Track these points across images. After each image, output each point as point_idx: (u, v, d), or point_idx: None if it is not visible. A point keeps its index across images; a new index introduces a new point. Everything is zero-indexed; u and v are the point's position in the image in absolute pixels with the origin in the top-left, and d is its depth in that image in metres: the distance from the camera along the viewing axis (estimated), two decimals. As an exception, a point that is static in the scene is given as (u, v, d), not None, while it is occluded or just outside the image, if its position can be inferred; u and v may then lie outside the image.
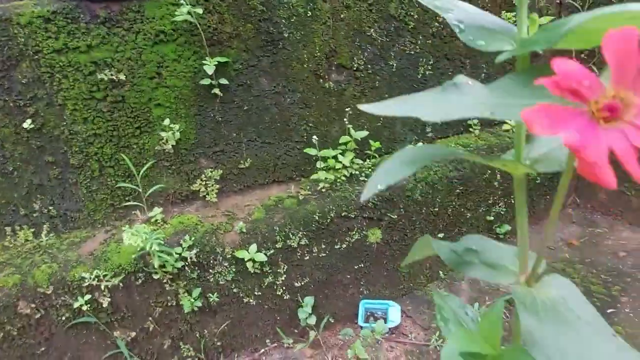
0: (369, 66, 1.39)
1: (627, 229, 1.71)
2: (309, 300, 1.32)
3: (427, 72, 1.49)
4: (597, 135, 0.20)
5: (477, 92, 0.25)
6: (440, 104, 0.25)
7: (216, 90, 1.24)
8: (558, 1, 1.64)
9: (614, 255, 1.60)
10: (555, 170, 0.30)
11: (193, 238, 1.19)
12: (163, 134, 1.22)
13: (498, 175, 1.58)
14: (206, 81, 1.22)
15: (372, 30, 1.36)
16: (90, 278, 1.13)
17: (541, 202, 1.76)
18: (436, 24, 1.45)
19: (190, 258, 1.17)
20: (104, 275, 1.14)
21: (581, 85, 0.20)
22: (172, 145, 1.25)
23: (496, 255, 0.34)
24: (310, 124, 1.38)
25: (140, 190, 1.27)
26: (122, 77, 1.17)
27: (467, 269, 0.33)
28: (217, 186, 1.33)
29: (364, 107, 0.28)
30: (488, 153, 1.54)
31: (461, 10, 0.33)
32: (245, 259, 1.20)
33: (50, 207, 1.25)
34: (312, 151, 1.32)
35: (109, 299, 1.15)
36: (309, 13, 1.27)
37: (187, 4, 1.13)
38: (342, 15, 1.31)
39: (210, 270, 1.21)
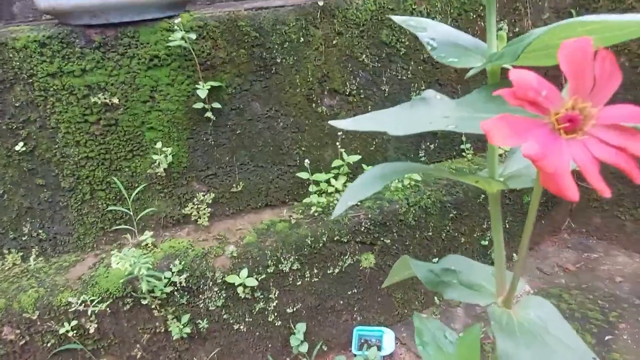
0: (361, 91, 1.41)
1: (623, 253, 1.69)
2: (301, 327, 1.30)
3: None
4: (558, 147, 0.20)
5: (444, 106, 0.25)
6: (406, 118, 0.25)
7: (209, 114, 1.25)
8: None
9: (611, 281, 1.58)
10: (528, 187, 0.29)
11: (183, 262, 1.17)
12: (155, 157, 1.22)
13: (492, 200, 1.57)
14: (199, 105, 1.23)
15: (364, 56, 1.38)
16: (77, 303, 1.11)
17: (536, 226, 1.75)
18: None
19: (180, 283, 1.15)
20: (91, 301, 1.12)
21: (539, 95, 0.20)
22: (164, 169, 1.25)
23: (475, 275, 0.34)
24: (303, 148, 1.38)
25: (132, 213, 1.26)
26: (115, 100, 1.18)
27: (445, 289, 0.33)
28: (209, 210, 1.33)
29: (334, 122, 0.28)
30: (481, 177, 1.54)
31: (434, 29, 0.34)
32: (236, 284, 1.18)
33: (40, 231, 1.24)
34: (304, 175, 1.31)
35: (96, 325, 1.13)
36: (302, 39, 1.29)
37: (181, 30, 1.15)
38: (334, 41, 1.33)
39: (200, 296, 1.19)
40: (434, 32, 0.33)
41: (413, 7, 1.41)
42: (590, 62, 0.20)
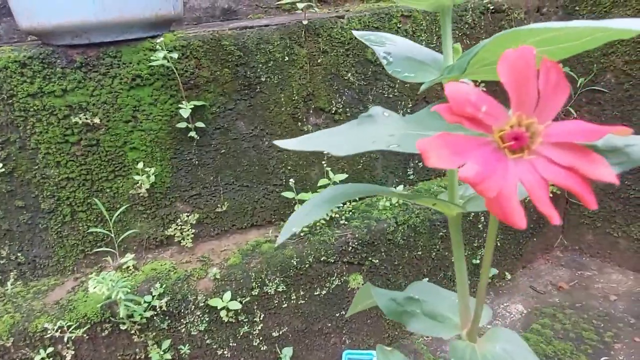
0: (347, 109, 1.40)
1: (617, 271, 1.67)
2: (287, 352, 1.26)
3: (406, 115, 1.50)
4: (502, 168, 0.18)
5: (391, 124, 0.23)
6: (352, 137, 0.23)
7: (193, 134, 1.23)
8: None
9: (605, 299, 1.55)
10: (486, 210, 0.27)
11: (164, 286, 1.14)
12: (137, 177, 1.20)
13: (482, 218, 1.55)
14: (182, 124, 1.21)
15: (349, 74, 1.37)
16: (54, 329, 1.07)
17: (528, 245, 1.73)
18: (414, 68, 1.47)
19: (161, 307, 1.11)
20: (68, 326, 1.08)
21: (478, 111, 0.18)
22: (147, 189, 1.23)
23: (441, 305, 0.31)
24: (289, 167, 1.37)
25: (113, 235, 1.23)
26: (97, 120, 1.16)
27: (409, 320, 0.30)
28: (193, 231, 1.30)
29: (279, 142, 0.26)
30: (471, 195, 1.52)
31: (393, 43, 0.32)
32: (219, 308, 1.14)
33: (19, 254, 1.20)
34: (289, 194, 1.29)
35: (73, 352, 1.09)
36: (286, 58, 1.29)
37: (163, 49, 1.14)
38: (319, 60, 1.33)
39: (182, 320, 1.15)
40: (392, 47, 0.31)
41: (398, 25, 1.42)
42: (532, 73, 0.18)
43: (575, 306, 1.54)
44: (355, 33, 0.35)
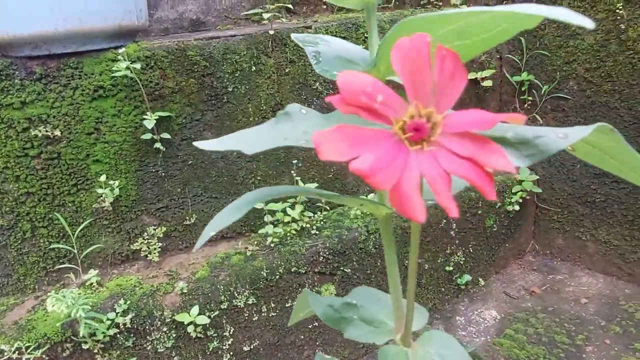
0: (317, 118, 1.40)
1: (587, 274, 1.70)
2: (259, 366, 1.23)
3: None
4: (402, 160, 0.17)
5: (307, 121, 0.22)
6: (264, 135, 0.22)
7: (158, 145, 1.21)
8: (498, 56, 1.72)
9: (576, 303, 1.57)
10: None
11: (129, 302, 1.10)
12: (100, 190, 1.16)
13: (454, 224, 1.56)
14: (148, 136, 1.19)
15: (317, 83, 1.37)
16: (11, 351, 1.02)
17: (500, 250, 1.75)
18: (382, 77, 1.48)
19: (125, 324, 1.08)
20: (27, 347, 1.03)
21: (374, 101, 0.17)
22: (111, 203, 1.20)
23: (379, 310, 0.30)
24: (259, 177, 1.35)
25: (76, 251, 1.19)
26: (57, 133, 1.13)
27: (346, 327, 0.29)
28: (161, 244, 1.27)
29: (198, 144, 0.25)
30: (442, 202, 1.53)
31: (326, 44, 0.32)
32: (186, 323, 1.11)
33: (-25, 273, 1.15)
34: (259, 205, 1.28)
35: (32, 375, 1.04)
36: (254, 68, 1.28)
37: (126, 60, 1.12)
38: (287, 70, 1.33)
39: (148, 337, 1.11)
40: (324, 47, 0.31)
41: (366, 35, 1.43)
42: (427, 62, 0.17)
43: (547, 310, 1.55)
44: (293, 36, 0.35)
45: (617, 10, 1.40)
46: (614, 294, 1.59)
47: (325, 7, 1.83)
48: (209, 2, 1.64)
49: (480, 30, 0.20)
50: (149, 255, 1.25)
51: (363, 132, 0.18)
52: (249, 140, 0.22)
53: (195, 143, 0.25)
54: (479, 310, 1.58)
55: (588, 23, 0.15)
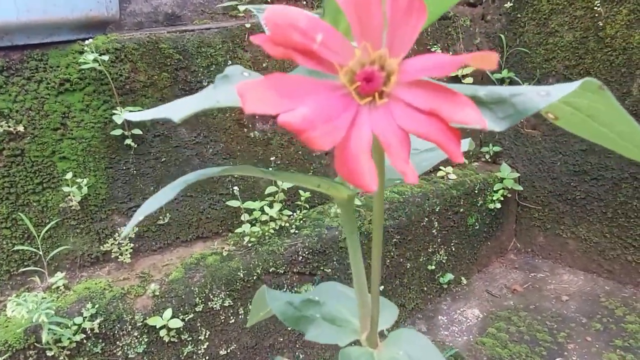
0: (296, 115, 1.36)
1: (567, 272, 1.69)
2: (236, 370, 1.18)
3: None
4: (348, 116, 0.14)
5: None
6: (196, 99, 0.19)
7: (129, 142, 1.16)
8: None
9: (557, 300, 1.57)
10: (390, 185, 0.23)
11: (97, 305, 1.05)
12: (67, 189, 1.11)
13: (436, 223, 1.54)
14: (118, 132, 1.14)
15: (296, 79, 1.34)
16: (-32, 360, 0.96)
17: (482, 248, 1.73)
18: (362, 73, 1.46)
19: (92, 329, 1.02)
20: (-14, 356, 0.97)
21: (312, 41, 0.14)
22: (79, 202, 1.14)
23: (344, 307, 0.27)
24: (236, 176, 1.31)
25: (41, 253, 1.13)
26: (21, 128, 1.07)
27: (308, 327, 0.26)
28: (133, 245, 1.21)
29: (130, 115, 0.22)
30: (423, 200, 1.51)
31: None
32: (158, 327, 1.06)
33: None
34: (235, 203, 1.23)
35: (-8, 385, 0.98)
36: (230, 62, 1.24)
37: (93, 52, 1.07)
38: (264, 64, 1.29)
39: (118, 342, 1.06)
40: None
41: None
42: (376, -4, 0.14)
43: (529, 308, 1.54)
44: (249, 6, 0.31)
45: (595, 8, 1.40)
46: (594, 291, 1.59)
47: (304, 1, 1.80)
48: (184, -5, 1.59)
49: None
50: (120, 256, 1.20)
51: (300, 81, 0.14)
52: (179, 106, 0.18)
53: (126, 115, 0.22)
54: (462, 309, 1.57)
55: None
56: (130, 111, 1.13)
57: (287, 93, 0.14)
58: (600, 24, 1.41)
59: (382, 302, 0.27)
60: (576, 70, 1.50)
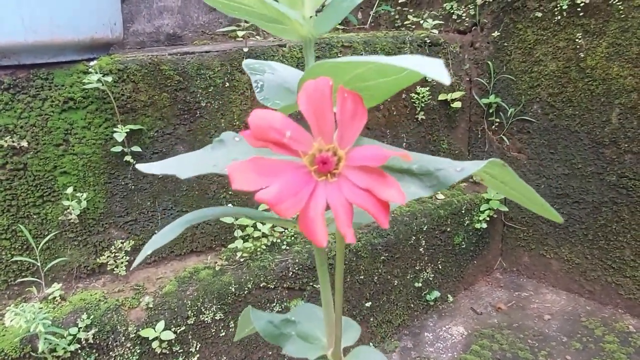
0: (290, 135, 1.42)
1: (551, 291, 1.74)
2: (225, 382, 1.22)
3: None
4: (308, 189, 0.19)
5: (239, 149, 0.24)
6: (198, 160, 0.23)
7: (129, 158, 1.20)
8: (468, 79, 1.78)
9: (540, 319, 1.61)
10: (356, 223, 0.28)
11: (92, 316, 1.09)
12: (67, 203, 1.15)
13: (423, 242, 1.59)
14: (118, 148, 1.19)
15: (291, 101, 1.40)
16: (-35, 367, 0.99)
17: (469, 267, 1.78)
18: (355, 96, 1.52)
19: (87, 340, 1.06)
20: (-17, 364, 1.00)
21: (282, 136, 0.19)
22: (78, 215, 1.18)
23: (315, 326, 0.32)
24: (231, 192, 1.36)
25: (39, 264, 1.17)
26: (24, 144, 1.12)
27: (285, 343, 0.31)
28: (128, 258, 1.25)
29: (141, 167, 0.26)
30: (412, 219, 1.56)
31: (271, 72, 0.33)
32: (150, 338, 1.10)
33: None
34: (229, 220, 1.28)
35: (-13, 392, 1.01)
36: (227, 84, 1.30)
37: (97, 72, 1.12)
38: (260, 87, 1.35)
39: (111, 353, 1.10)
40: (269, 75, 0.33)
41: (338, 55, 1.46)
42: (329, 102, 0.19)
43: (512, 326, 1.59)
44: (244, 63, 0.37)
45: (577, 40, 1.48)
46: (575, 310, 1.63)
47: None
48: (185, 17, 1.65)
49: (378, 76, 0.21)
50: (115, 268, 1.24)
51: (274, 163, 0.19)
52: (184, 165, 0.23)
53: (137, 166, 0.27)
54: (447, 327, 1.61)
55: (445, 79, 0.17)
56: (135, 151, 1.18)
57: (264, 172, 0.19)
58: (582, 55, 1.48)
59: (346, 322, 0.32)
60: (559, 98, 1.57)
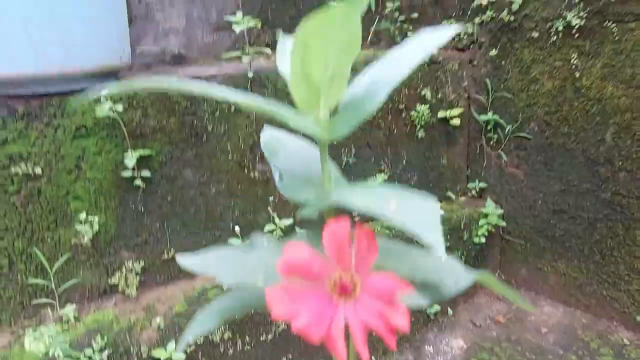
0: (294, 156, 1.46)
1: (548, 304, 1.79)
2: (233, 398, 1.26)
3: (351, 160, 1.58)
4: (331, 311, 0.23)
5: (269, 254, 0.28)
6: (239, 266, 0.27)
7: (139, 182, 1.24)
8: (467, 96, 1.83)
9: (537, 332, 1.66)
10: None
11: (106, 338, 1.13)
12: (79, 227, 1.19)
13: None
14: (128, 173, 1.23)
15: (295, 123, 1.44)
16: (-16, 389, 1.03)
17: (468, 280, 1.82)
18: (356, 116, 1.56)
19: (101, 360, 1.10)
20: (1, 385, 1.05)
21: (311, 269, 0.23)
22: (90, 239, 1.22)
23: None
24: (237, 213, 1.40)
25: (53, 286, 1.21)
26: (38, 170, 1.16)
27: None
28: (138, 279, 1.29)
29: (182, 260, 0.31)
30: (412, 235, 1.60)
31: (284, 150, 0.37)
32: (162, 359, 1.14)
33: (-51, 308, 1.16)
34: (235, 242, 1.32)
35: (5, 412, 1.05)
36: (233, 108, 1.34)
37: (108, 100, 1.16)
38: (265, 110, 1.39)
39: (124, 372, 1.14)
40: (282, 157, 0.37)
41: (341, 77, 1.50)
42: (348, 240, 0.24)
43: (510, 339, 1.63)
44: (262, 142, 0.41)
45: (572, 60, 1.52)
46: (572, 323, 1.68)
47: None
48: (190, 38, 1.70)
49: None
50: (127, 289, 1.28)
51: (303, 290, 0.24)
52: (223, 269, 0.27)
53: (178, 258, 0.31)
54: (447, 340, 1.65)
55: (440, 250, 0.21)
56: (144, 176, 1.22)
57: (295, 299, 0.23)
58: (577, 75, 1.53)
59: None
60: (555, 117, 1.61)
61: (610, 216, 1.54)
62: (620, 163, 1.49)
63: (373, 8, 1.98)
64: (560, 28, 1.51)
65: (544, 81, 1.61)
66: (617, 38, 1.42)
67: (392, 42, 1.98)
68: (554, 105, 1.60)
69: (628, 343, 1.57)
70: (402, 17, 1.92)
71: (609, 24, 1.42)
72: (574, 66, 1.53)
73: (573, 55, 1.52)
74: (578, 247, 1.64)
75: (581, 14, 1.46)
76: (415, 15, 1.91)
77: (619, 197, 1.51)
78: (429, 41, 0.33)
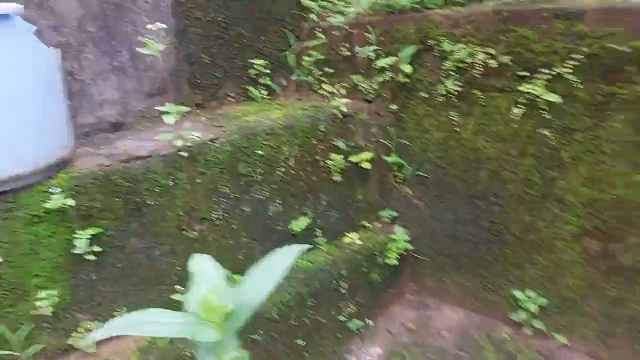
0: (226, 214, 1.70)
1: (449, 309, 2.17)
2: None
3: (278, 210, 1.85)
4: None
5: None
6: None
7: (90, 257, 1.44)
8: (375, 140, 2.13)
9: (440, 336, 2.03)
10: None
11: (72, 395, 1.33)
12: (39, 303, 1.38)
13: (344, 284, 1.94)
14: (79, 250, 1.42)
15: (225, 187, 1.68)
16: None
17: (384, 295, 2.16)
18: (279, 172, 1.82)
19: (70, 415, 1.31)
20: None
21: None
22: (49, 309, 1.41)
23: None
24: (179, 268, 1.63)
25: (18, 354, 1.39)
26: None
27: None
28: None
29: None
30: (332, 267, 1.90)
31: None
32: (123, 406, 1.37)
33: None
34: (178, 297, 1.55)
35: None
36: (170, 182, 1.56)
37: (55, 192, 1.34)
38: (198, 180, 1.62)
39: (91, 421, 1.35)
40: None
41: (263, 142, 1.75)
42: None
43: (418, 344, 1.99)
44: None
45: (453, 118, 1.86)
46: (468, 324, 2.06)
47: (232, 99, 2.13)
48: (127, 106, 1.87)
49: None
50: (85, 347, 1.48)
51: None
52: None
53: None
54: (367, 349, 1.99)
55: None
56: (95, 250, 1.41)
57: None
58: (457, 129, 1.87)
59: None
60: (443, 161, 1.96)
61: (489, 239, 1.92)
62: (494, 199, 1.86)
63: (294, 64, 2.23)
64: (443, 92, 1.84)
65: (434, 132, 1.95)
66: (484, 103, 1.77)
67: (310, 91, 2.24)
68: (442, 151, 1.95)
69: (508, 338, 1.98)
70: (319, 73, 2.19)
71: (478, 92, 1.77)
72: (454, 122, 1.87)
73: (453, 114, 1.86)
74: (468, 262, 2.02)
75: (457, 82, 1.80)
76: (330, 70, 2.18)
77: (494, 225, 1.89)
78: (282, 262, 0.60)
